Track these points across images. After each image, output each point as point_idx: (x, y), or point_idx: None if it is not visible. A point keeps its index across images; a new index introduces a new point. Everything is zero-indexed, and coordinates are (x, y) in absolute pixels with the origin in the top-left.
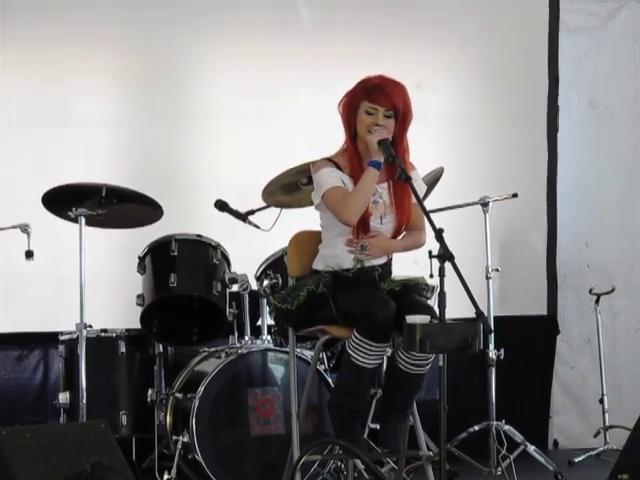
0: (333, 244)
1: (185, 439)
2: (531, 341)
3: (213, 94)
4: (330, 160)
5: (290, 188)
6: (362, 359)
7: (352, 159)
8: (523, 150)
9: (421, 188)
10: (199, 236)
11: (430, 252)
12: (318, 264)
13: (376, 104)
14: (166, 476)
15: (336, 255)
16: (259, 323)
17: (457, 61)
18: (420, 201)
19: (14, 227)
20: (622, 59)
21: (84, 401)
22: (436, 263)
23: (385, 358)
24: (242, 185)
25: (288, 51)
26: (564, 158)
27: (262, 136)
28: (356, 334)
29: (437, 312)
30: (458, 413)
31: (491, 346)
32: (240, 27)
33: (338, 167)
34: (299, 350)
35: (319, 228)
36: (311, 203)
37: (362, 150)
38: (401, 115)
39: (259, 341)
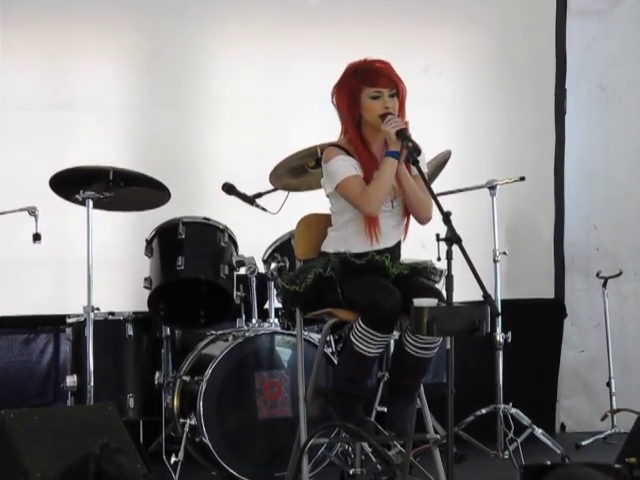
0: (343, 228)
1: (192, 422)
2: (538, 324)
3: (220, 77)
4: (339, 146)
5: (298, 171)
6: (365, 348)
7: (358, 148)
8: (530, 133)
9: (425, 169)
10: (206, 219)
11: (438, 235)
12: (327, 246)
13: (379, 87)
14: (173, 459)
15: (345, 238)
16: (266, 306)
17: (464, 44)
18: (427, 183)
19: (21, 210)
20: (631, 43)
21: (92, 384)
22: (444, 246)
23: (392, 341)
24: (249, 168)
25: (295, 34)
26: (572, 141)
27: (269, 119)
28: (361, 323)
29: (445, 295)
30: (465, 396)
31: (498, 329)
32: (247, 10)
33: (347, 153)
34: (306, 333)
35: (327, 211)
36: (318, 186)
37: (368, 136)
38: (400, 92)
39: (266, 324)
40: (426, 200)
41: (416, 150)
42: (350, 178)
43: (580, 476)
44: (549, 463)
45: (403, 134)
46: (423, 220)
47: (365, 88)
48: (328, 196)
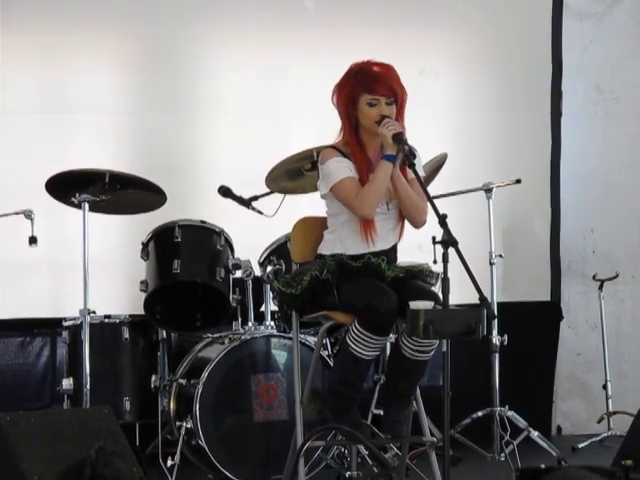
0: (339, 230)
1: (189, 425)
2: (535, 327)
3: (217, 81)
4: (335, 148)
5: (294, 174)
6: (361, 350)
7: (355, 150)
8: (526, 136)
9: (421, 171)
10: (202, 222)
11: (434, 238)
12: (323, 249)
13: (377, 95)
14: (170, 462)
15: (341, 240)
16: (262, 309)
17: (461, 47)
18: (423, 186)
19: (17, 213)
20: (627, 45)
21: (88, 387)
22: (440, 249)
23: (388, 344)
24: (245, 171)
25: (292, 37)
26: (569, 144)
27: (266, 122)
28: (357, 326)
29: (441, 298)
30: (462, 399)
31: (494, 332)
32: (244, 14)
33: (344, 155)
34: (302, 336)
35: (323, 214)
36: (314, 189)
37: (365, 139)
38: (400, 99)
39: (262, 327)
40: (420, 204)
41: (411, 154)
42: (345, 180)
43: (576, 478)
44: (543, 466)
45: (399, 138)
46: (417, 224)
47: (363, 94)
48: (323, 197)
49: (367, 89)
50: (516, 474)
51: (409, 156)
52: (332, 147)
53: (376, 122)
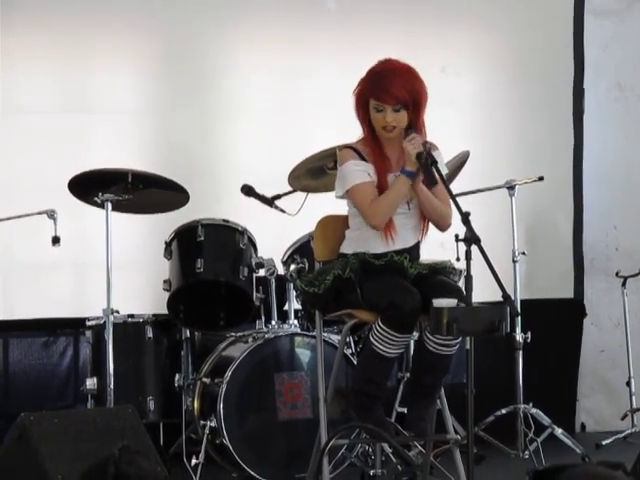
0: (361, 229)
1: (212, 424)
2: (558, 324)
3: (238, 80)
4: (353, 149)
5: (316, 172)
6: (385, 348)
7: (373, 150)
8: (549, 133)
9: (443, 169)
10: (225, 221)
11: (457, 235)
12: (346, 248)
13: (382, 103)
14: (194, 461)
15: (364, 239)
16: (286, 308)
17: (482, 44)
18: (446, 184)
19: (40, 213)
20: None
21: (111, 386)
22: (462, 246)
23: (412, 342)
24: (268, 170)
25: (313, 35)
26: (591, 141)
27: (288, 121)
28: (380, 324)
29: (464, 294)
30: (485, 397)
31: (518, 329)
32: (265, 13)
33: (362, 156)
34: (326, 334)
35: (345, 212)
36: None
37: (382, 139)
38: (412, 104)
39: (286, 326)
40: (445, 211)
41: (431, 177)
42: (360, 185)
43: (593, 475)
44: (542, 465)
45: (423, 158)
46: (443, 228)
47: (371, 99)
48: (341, 197)
49: (374, 95)
50: (529, 475)
51: (432, 177)
52: (350, 147)
53: (405, 129)
